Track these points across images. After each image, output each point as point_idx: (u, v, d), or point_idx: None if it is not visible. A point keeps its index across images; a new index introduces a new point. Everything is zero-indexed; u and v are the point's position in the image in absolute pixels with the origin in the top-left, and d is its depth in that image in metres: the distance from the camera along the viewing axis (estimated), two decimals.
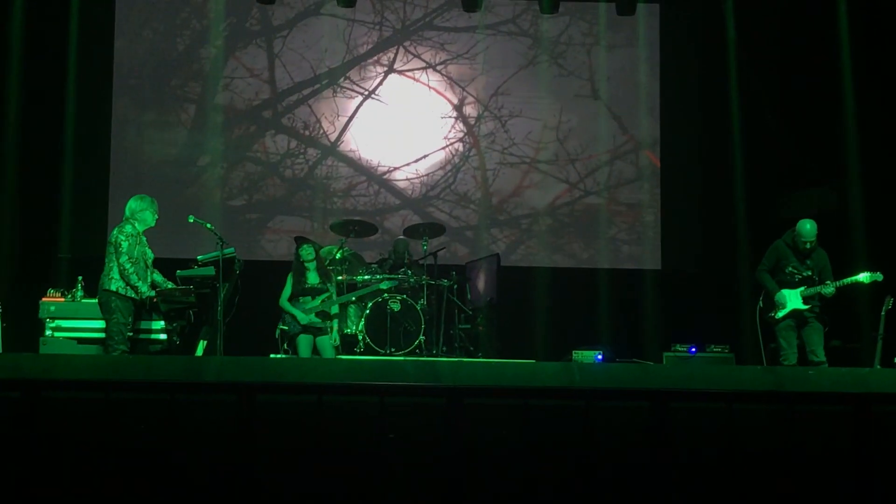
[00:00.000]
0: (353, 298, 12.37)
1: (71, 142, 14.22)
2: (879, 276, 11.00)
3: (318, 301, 11.78)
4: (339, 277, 12.42)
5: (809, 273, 11.06)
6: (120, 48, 14.90)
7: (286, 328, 11.83)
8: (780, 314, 11.04)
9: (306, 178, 15.05)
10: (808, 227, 11.03)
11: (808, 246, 11.03)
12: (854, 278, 11.00)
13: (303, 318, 11.67)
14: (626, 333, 14.19)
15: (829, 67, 14.14)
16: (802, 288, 11.03)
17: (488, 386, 7.08)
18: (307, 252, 11.88)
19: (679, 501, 6.87)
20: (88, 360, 9.23)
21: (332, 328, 11.89)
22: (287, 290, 11.83)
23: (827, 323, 11.08)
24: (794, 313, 11.03)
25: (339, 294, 12.15)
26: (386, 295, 12.40)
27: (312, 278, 11.86)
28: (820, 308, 11.05)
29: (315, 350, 11.75)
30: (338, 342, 12.01)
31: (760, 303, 11.35)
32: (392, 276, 12.67)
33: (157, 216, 10.69)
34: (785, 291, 11.06)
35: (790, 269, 11.10)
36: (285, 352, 11.95)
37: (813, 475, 6.89)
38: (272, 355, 11.68)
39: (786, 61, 14.72)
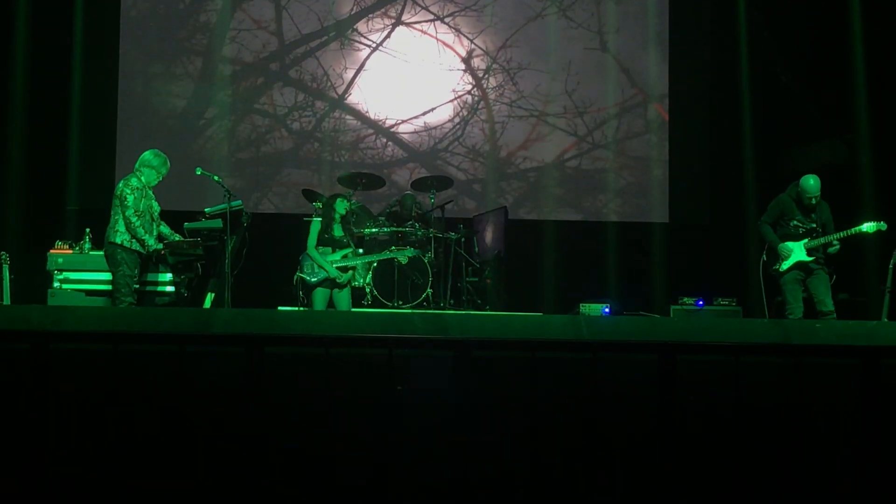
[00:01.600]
0: (376, 259, 12.33)
1: (78, 94, 14.22)
2: (883, 226, 10.99)
3: (338, 255, 11.74)
4: None
5: (814, 226, 11.06)
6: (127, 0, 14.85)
7: (304, 277, 11.77)
8: (784, 266, 11.04)
9: (314, 131, 15.02)
10: (811, 182, 11.02)
11: (812, 201, 11.03)
12: (857, 228, 10.99)
13: (331, 269, 11.61)
14: (633, 286, 14.20)
15: (839, 20, 14.07)
16: (806, 240, 11.02)
17: (496, 339, 7.09)
18: (342, 205, 11.82)
19: (686, 453, 6.89)
20: (97, 311, 9.26)
21: (351, 280, 11.87)
22: (313, 238, 11.76)
23: (833, 275, 11.08)
24: (799, 265, 11.03)
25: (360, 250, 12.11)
26: (393, 248, 12.40)
27: (337, 231, 11.83)
28: (825, 260, 11.06)
29: (331, 304, 11.73)
30: (359, 283, 12.07)
31: (764, 256, 11.35)
32: (400, 228, 12.65)
33: (161, 178, 10.70)
34: (788, 244, 11.06)
35: (795, 222, 11.09)
36: (301, 300, 11.93)
37: (820, 428, 6.90)
38: (280, 307, 11.71)
39: (795, 14, 14.64)
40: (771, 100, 14.65)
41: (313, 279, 11.66)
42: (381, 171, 14.53)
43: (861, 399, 6.96)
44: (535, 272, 14.38)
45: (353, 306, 12.05)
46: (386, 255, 12.30)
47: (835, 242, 10.97)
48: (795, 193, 11.14)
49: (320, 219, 11.86)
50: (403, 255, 12.30)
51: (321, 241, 11.75)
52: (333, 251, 11.75)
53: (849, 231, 10.98)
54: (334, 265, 11.66)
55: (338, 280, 11.62)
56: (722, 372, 6.98)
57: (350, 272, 11.77)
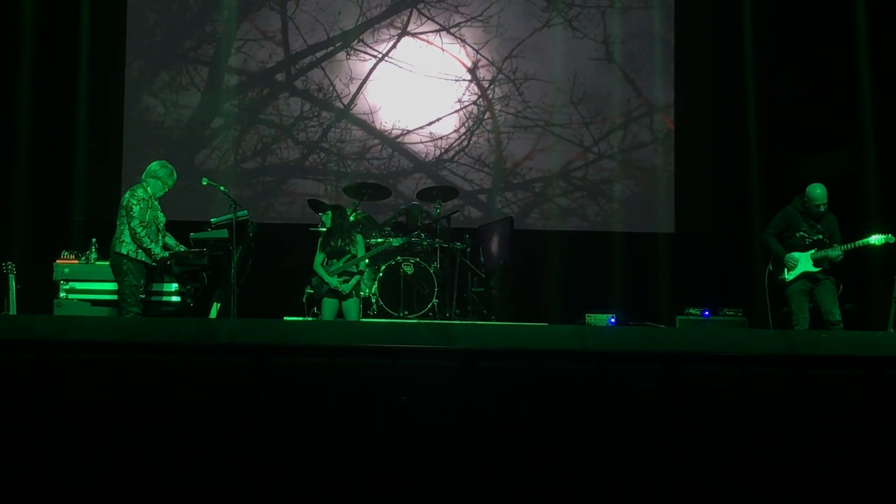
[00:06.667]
0: (367, 260, 12.37)
1: (85, 104, 14.23)
2: (891, 238, 10.98)
3: (341, 262, 11.78)
4: None
5: (820, 237, 11.06)
6: (133, 9, 14.87)
7: (312, 292, 11.84)
8: (791, 276, 11.05)
9: (320, 141, 15.03)
10: (818, 191, 11.03)
11: (821, 209, 11.03)
12: (865, 241, 10.99)
13: (333, 281, 11.67)
14: (639, 297, 14.18)
15: (845, 30, 14.07)
16: (813, 251, 11.02)
17: (501, 349, 7.08)
18: (327, 217, 11.91)
19: (692, 464, 6.88)
20: (102, 321, 9.27)
21: (358, 288, 11.89)
22: (318, 254, 11.84)
23: (839, 285, 11.08)
24: (805, 275, 11.04)
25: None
26: (399, 258, 12.40)
27: (337, 241, 11.87)
28: (830, 271, 11.06)
29: (340, 314, 11.75)
30: (365, 293, 12.10)
31: (770, 266, 11.35)
32: (405, 238, 12.66)
33: (167, 189, 10.74)
34: (795, 254, 11.07)
35: (801, 233, 11.10)
36: (314, 315, 11.98)
37: (826, 438, 6.89)
38: (286, 317, 11.72)
39: (802, 23, 14.64)
40: (776, 110, 14.65)
41: (320, 292, 11.71)
42: (387, 181, 14.55)
43: (867, 409, 6.95)
44: (541, 282, 14.37)
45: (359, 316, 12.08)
46: (379, 249, 12.28)
47: (836, 247, 10.96)
48: (801, 204, 11.15)
49: (324, 230, 11.95)
50: (396, 242, 12.31)
51: (327, 254, 11.81)
52: (338, 260, 11.80)
53: (856, 243, 10.98)
54: (336, 272, 11.71)
55: (340, 290, 11.66)
56: (728, 382, 6.97)
57: (354, 279, 11.78)
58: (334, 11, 15.09)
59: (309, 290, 11.95)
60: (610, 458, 6.87)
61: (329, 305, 11.72)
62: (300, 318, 11.99)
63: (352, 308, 11.76)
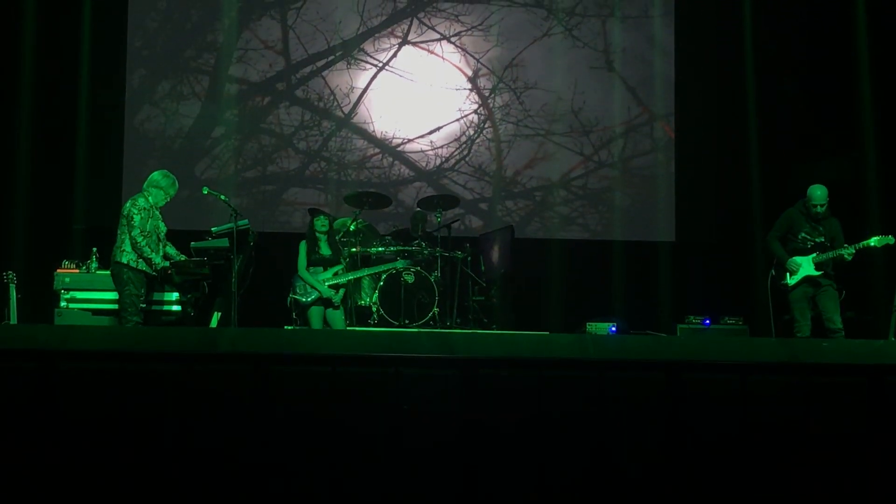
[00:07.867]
0: (366, 274, 12.40)
1: (85, 112, 14.23)
2: (891, 240, 10.98)
3: (329, 273, 11.81)
4: (353, 249, 12.44)
5: (822, 239, 11.06)
6: (134, 19, 14.87)
7: (297, 297, 11.86)
8: (793, 280, 11.04)
9: (320, 150, 15.03)
10: (818, 192, 11.04)
11: (820, 209, 11.02)
12: (865, 243, 10.98)
13: (324, 290, 11.70)
14: (639, 305, 14.17)
15: (846, 38, 14.08)
16: (815, 254, 11.02)
17: (502, 357, 7.09)
18: (321, 223, 11.93)
19: (692, 473, 6.88)
20: (104, 331, 9.27)
21: (348, 298, 11.93)
22: (303, 260, 11.87)
23: (842, 290, 11.06)
24: (807, 279, 11.03)
25: (351, 266, 12.19)
26: (400, 266, 12.41)
27: (324, 249, 11.90)
28: (833, 276, 11.04)
29: (326, 323, 11.79)
30: (365, 302, 12.14)
31: (772, 271, 11.34)
32: (406, 247, 12.68)
33: (168, 199, 10.73)
34: (797, 258, 11.06)
35: (803, 235, 11.10)
36: (295, 321, 12.00)
37: (827, 446, 6.89)
38: (286, 327, 11.73)
39: (803, 32, 14.65)
40: (777, 117, 14.65)
41: (306, 299, 11.74)
42: (388, 190, 14.54)
43: (868, 418, 6.95)
44: (542, 291, 14.36)
45: (360, 325, 12.09)
46: (382, 268, 12.33)
47: (847, 246, 10.94)
48: (803, 206, 11.15)
49: (305, 240, 11.98)
50: (400, 264, 12.32)
51: (311, 262, 11.84)
52: (324, 269, 11.82)
53: (857, 245, 10.98)
54: (326, 283, 11.74)
55: (332, 299, 11.69)
56: (729, 391, 6.97)
57: (342, 290, 11.84)
58: (335, 21, 15.09)
59: (294, 296, 11.95)
60: (611, 467, 6.87)
61: (316, 314, 11.76)
62: (300, 328, 11.99)
63: (338, 318, 11.82)
